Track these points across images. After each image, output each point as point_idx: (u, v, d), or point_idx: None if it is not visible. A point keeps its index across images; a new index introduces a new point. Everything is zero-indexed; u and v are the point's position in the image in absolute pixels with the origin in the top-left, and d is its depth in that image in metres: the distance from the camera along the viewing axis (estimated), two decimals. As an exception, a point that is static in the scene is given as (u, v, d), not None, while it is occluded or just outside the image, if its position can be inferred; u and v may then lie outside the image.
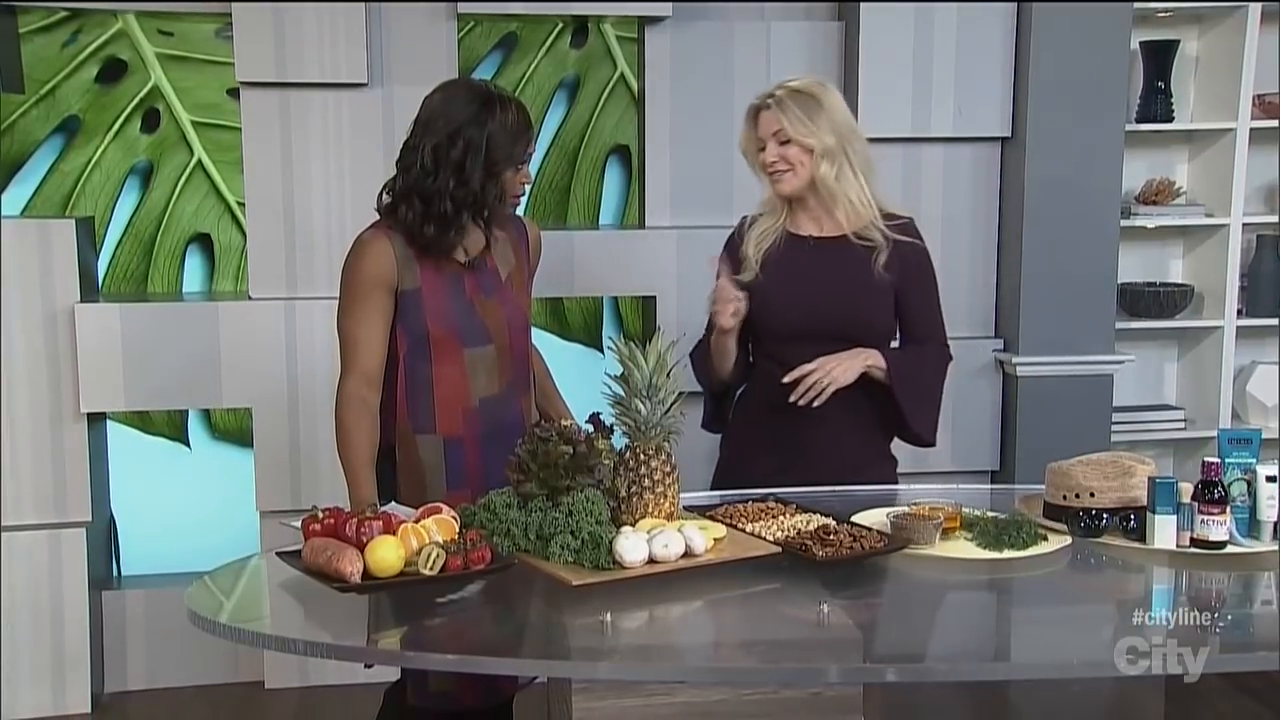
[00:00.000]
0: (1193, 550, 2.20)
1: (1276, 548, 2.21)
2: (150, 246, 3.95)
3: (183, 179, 3.94)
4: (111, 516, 3.94)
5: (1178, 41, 4.04)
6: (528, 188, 2.66)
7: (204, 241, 3.99)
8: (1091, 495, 2.28)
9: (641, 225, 3.95)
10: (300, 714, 3.69)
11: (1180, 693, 2.63)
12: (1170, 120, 4.04)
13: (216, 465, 4.01)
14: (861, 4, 3.80)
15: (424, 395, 2.55)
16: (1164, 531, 2.21)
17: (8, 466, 3.61)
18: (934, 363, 2.78)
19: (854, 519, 2.31)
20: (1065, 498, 2.31)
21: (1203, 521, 2.19)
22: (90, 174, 3.89)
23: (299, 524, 2.13)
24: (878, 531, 2.23)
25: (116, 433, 3.92)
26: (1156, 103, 4.03)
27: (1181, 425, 4.16)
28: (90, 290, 3.73)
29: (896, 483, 2.80)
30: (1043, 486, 2.39)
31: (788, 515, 2.34)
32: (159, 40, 3.87)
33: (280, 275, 3.73)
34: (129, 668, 3.80)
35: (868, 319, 2.68)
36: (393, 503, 2.38)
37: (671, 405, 2.23)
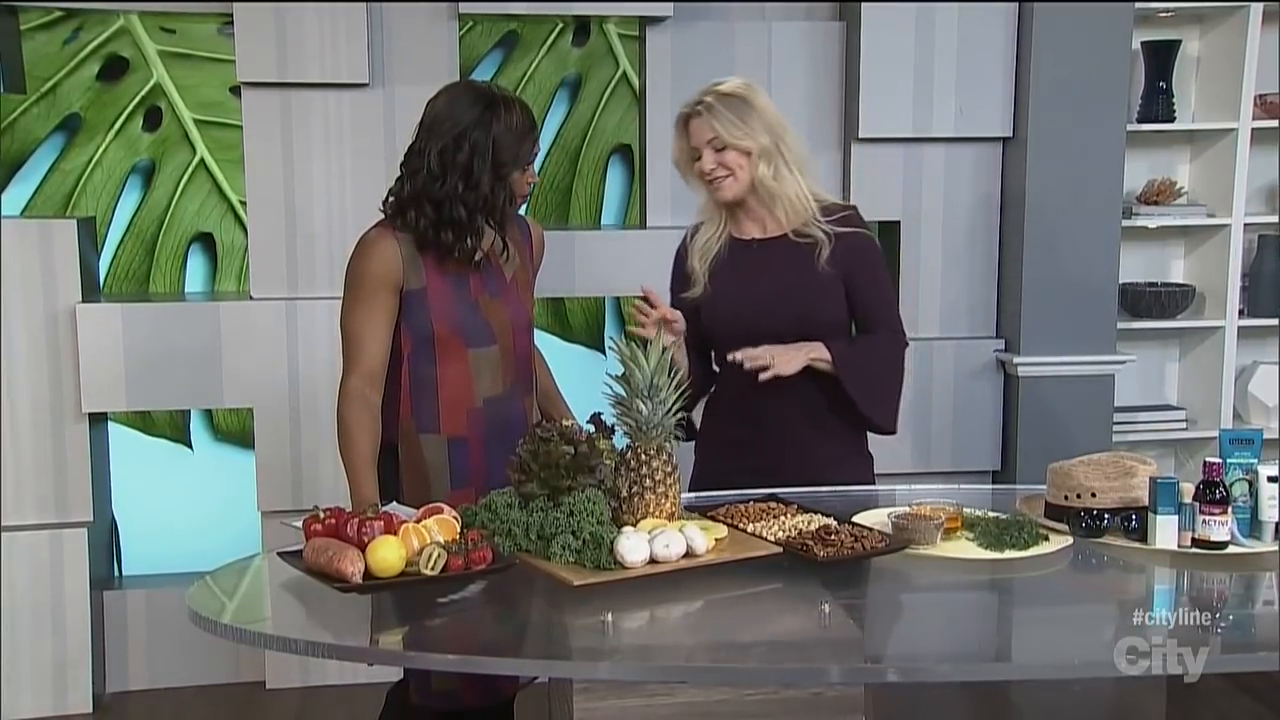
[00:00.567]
0: (1194, 550, 2.20)
1: (1278, 548, 2.21)
2: (152, 246, 3.96)
3: (185, 178, 3.94)
4: (113, 517, 3.95)
5: (1179, 41, 4.04)
6: (534, 187, 2.65)
7: (207, 241, 3.99)
8: (1093, 495, 2.28)
9: (643, 225, 3.95)
10: (301, 714, 3.69)
11: (1181, 693, 2.63)
12: (1171, 120, 4.04)
13: (218, 467, 4.01)
14: (863, 4, 3.80)
15: (428, 395, 2.54)
16: (1165, 532, 2.21)
17: (9, 467, 3.61)
18: (885, 350, 2.72)
19: (855, 519, 2.31)
20: (1066, 498, 2.31)
21: (1204, 522, 2.19)
22: (91, 173, 3.89)
23: (300, 524, 2.13)
24: (879, 532, 2.23)
25: (120, 435, 3.93)
26: (1158, 103, 4.03)
27: (1183, 425, 4.16)
28: (91, 290, 3.73)
29: (873, 481, 2.78)
30: (1044, 487, 2.39)
31: (789, 515, 2.34)
32: (161, 38, 3.87)
33: (281, 275, 3.73)
34: (130, 668, 3.81)
35: (819, 315, 2.66)
36: (394, 503, 2.38)
37: (673, 405, 2.23)
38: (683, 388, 2.25)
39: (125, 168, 3.91)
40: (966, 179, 3.93)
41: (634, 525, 2.16)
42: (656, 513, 2.21)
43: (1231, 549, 2.20)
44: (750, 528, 2.27)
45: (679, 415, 2.25)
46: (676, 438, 2.29)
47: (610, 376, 2.25)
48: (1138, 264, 4.20)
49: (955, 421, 3.94)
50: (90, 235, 3.79)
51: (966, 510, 2.35)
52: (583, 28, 4.07)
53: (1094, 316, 3.86)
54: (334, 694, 3.74)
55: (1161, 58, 4.02)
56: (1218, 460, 2.22)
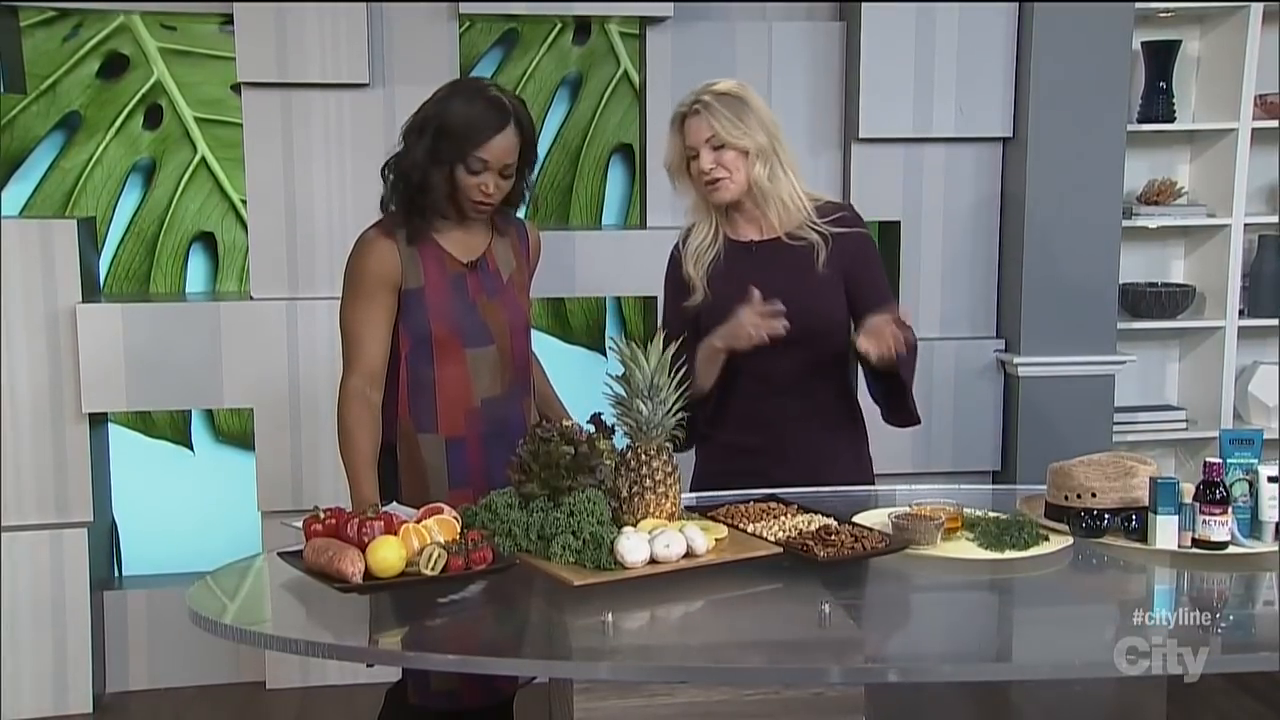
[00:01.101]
0: (1194, 551, 2.20)
1: (1278, 548, 2.21)
2: (153, 246, 3.95)
3: (186, 176, 3.94)
4: (113, 517, 3.94)
5: (1179, 42, 4.04)
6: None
7: (208, 240, 3.99)
8: (1093, 495, 2.28)
9: (644, 225, 3.95)
10: (301, 714, 3.69)
11: (1181, 693, 2.63)
12: (1172, 120, 4.04)
13: (219, 468, 4.01)
14: (863, 4, 3.80)
15: (426, 395, 2.55)
16: (1165, 532, 2.21)
17: (9, 467, 3.61)
18: (914, 341, 2.69)
19: (855, 519, 2.31)
20: (1067, 498, 2.31)
21: (1204, 522, 2.19)
22: (91, 171, 3.89)
23: (300, 524, 2.13)
24: (879, 532, 2.23)
25: (120, 436, 3.93)
26: (1158, 103, 4.03)
27: (1183, 425, 4.16)
28: (91, 290, 3.73)
29: (873, 482, 2.78)
30: (1044, 487, 2.39)
31: (789, 515, 2.34)
32: (161, 35, 3.86)
33: (282, 275, 3.73)
34: (130, 668, 3.81)
35: (821, 315, 2.64)
36: (394, 503, 2.38)
37: (673, 405, 2.23)
38: (683, 388, 2.24)
39: (125, 166, 3.91)
40: (967, 179, 3.93)
41: (634, 525, 2.16)
42: (657, 513, 2.21)
43: (1231, 549, 2.20)
44: (750, 528, 2.27)
45: (679, 415, 2.25)
46: (676, 438, 2.29)
47: (610, 377, 2.25)
48: (1138, 264, 4.20)
49: (955, 422, 3.94)
50: (90, 235, 3.78)
51: (967, 510, 2.35)
52: (583, 26, 4.06)
53: (1094, 317, 3.86)
54: (334, 694, 3.74)
55: (1162, 58, 4.02)
56: (1218, 460, 2.22)
